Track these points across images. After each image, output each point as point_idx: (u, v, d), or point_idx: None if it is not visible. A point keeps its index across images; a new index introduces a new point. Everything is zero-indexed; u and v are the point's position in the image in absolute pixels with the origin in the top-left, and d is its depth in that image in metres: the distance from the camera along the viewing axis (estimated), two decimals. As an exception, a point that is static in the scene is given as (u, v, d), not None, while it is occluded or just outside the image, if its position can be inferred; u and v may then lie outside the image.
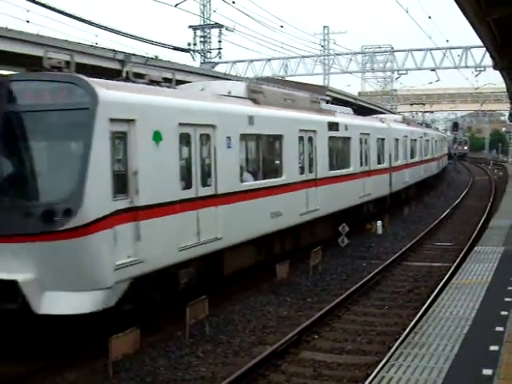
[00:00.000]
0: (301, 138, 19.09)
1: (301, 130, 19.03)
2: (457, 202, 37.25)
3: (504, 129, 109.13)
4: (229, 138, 14.85)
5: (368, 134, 26.42)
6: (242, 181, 15.69)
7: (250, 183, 16.15)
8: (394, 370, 6.50)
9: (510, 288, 9.84)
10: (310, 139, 19.86)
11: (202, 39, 40.65)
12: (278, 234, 17.59)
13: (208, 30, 40.59)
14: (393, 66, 51.09)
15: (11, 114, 11.12)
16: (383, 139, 29.32)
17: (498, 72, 24.39)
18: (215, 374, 10.64)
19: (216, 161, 14.21)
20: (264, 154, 17.53)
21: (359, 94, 70.58)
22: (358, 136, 24.92)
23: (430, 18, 38.08)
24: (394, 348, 10.40)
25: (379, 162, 28.39)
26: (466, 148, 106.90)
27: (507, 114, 75.14)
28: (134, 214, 11.43)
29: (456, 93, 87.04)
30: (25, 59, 15.78)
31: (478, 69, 41.94)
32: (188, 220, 13.06)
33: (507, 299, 9.15)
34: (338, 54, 47.07)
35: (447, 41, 42.23)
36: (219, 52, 40.78)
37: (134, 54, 18.73)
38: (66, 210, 10.25)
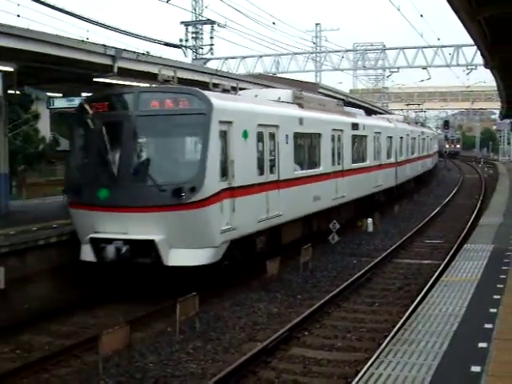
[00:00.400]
0: (332, 136, 22.94)
1: (333, 130, 22.98)
2: (447, 199, 37.38)
3: (494, 127, 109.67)
4: (287, 135, 18.57)
5: (380, 133, 30.58)
6: (294, 170, 19.36)
7: (300, 172, 19.93)
8: (384, 367, 6.52)
9: (499, 285, 9.88)
10: (339, 137, 23.71)
11: (194, 35, 40.65)
12: (315, 214, 21.29)
13: (200, 26, 40.61)
14: (384, 64, 51.22)
15: (141, 117, 14.67)
16: (391, 137, 33.52)
17: (488, 70, 24.42)
18: (205, 370, 10.65)
19: (278, 153, 17.93)
20: (308, 149, 21.36)
21: (351, 91, 70.61)
22: (372, 134, 29.03)
23: (421, 16, 38.17)
24: (383, 345, 10.44)
25: (388, 158, 32.50)
26: (458, 146, 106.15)
27: (498, 112, 75.36)
28: (231, 192, 15.03)
29: (447, 91, 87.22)
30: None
31: (469, 67, 41.98)
32: (261, 199, 16.82)
33: (496, 296, 9.18)
34: (329, 52, 47.15)
35: (438, 39, 42.33)
36: (211, 48, 40.72)
37: (124, 50, 18.69)
38: (191, 188, 13.85)
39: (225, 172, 14.92)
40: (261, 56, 44.22)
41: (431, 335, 7.49)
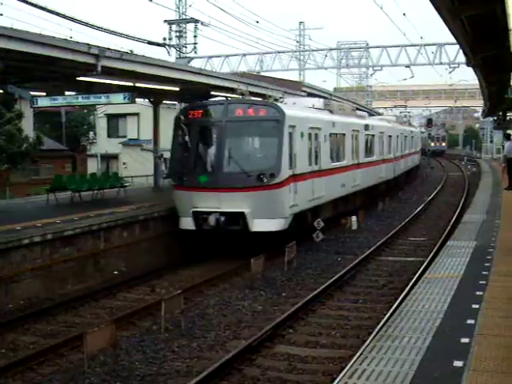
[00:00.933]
0: (352, 136, 28.06)
1: (352, 130, 28.14)
2: (430, 197, 37.56)
3: (478, 125, 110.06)
4: (325, 135, 23.50)
5: (383, 133, 35.85)
6: (329, 162, 24.14)
7: (333, 164, 24.70)
8: (367, 363, 6.58)
9: (481, 282, 9.97)
10: (356, 136, 28.87)
11: (178, 34, 40.50)
12: (340, 198, 26.13)
13: (183, 25, 40.43)
14: (368, 63, 51.38)
15: (231, 122, 19.53)
16: (390, 136, 38.37)
17: (471, 69, 24.56)
18: (190, 368, 10.69)
19: (320, 149, 22.88)
20: (337, 146, 26.07)
21: (335, 89, 70.66)
22: (378, 134, 34.31)
23: (404, 14, 38.43)
24: (368, 341, 10.51)
25: (388, 153, 37.25)
26: (443, 144, 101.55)
27: (481, 110, 75.73)
28: (295, 178, 19.93)
29: (430, 89, 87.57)
30: None
31: (451, 65, 42.25)
32: (310, 184, 21.57)
33: (478, 293, 9.27)
34: (313, 50, 47.25)
35: (421, 37, 42.61)
36: (195, 47, 40.66)
37: (108, 49, 18.64)
38: (270, 174, 18.72)
39: (291, 163, 19.73)
40: (244, 55, 44.27)
41: (414, 331, 7.57)
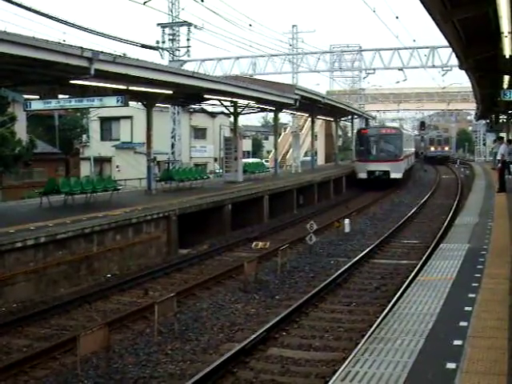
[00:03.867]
0: (405, 140, 50.65)
1: (406, 140, 52.05)
2: (424, 199, 37.66)
3: (470, 128, 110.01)
4: (407, 139, 52.45)
5: (408, 139, 56.33)
6: (406, 152, 51.44)
7: (408, 153, 52.27)
8: (360, 365, 6.58)
9: (474, 284, 9.98)
10: (407, 141, 51.92)
11: (171, 37, 40.53)
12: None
13: (177, 28, 40.46)
14: (361, 66, 51.40)
15: (381, 134, 47.76)
16: (406, 140, 51.84)
17: (464, 72, 24.64)
18: (183, 371, 10.70)
19: (407, 146, 52.22)
20: (406, 145, 50.99)
21: (327, 92, 70.68)
22: (406, 138, 51.80)
23: (397, 18, 38.44)
24: (360, 344, 10.52)
25: (404, 152, 49.94)
26: (446, 149, 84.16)
27: (473, 113, 75.81)
28: (403, 157, 48.04)
29: (423, 92, 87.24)
30: None
31: (444, 68, 42.29)
32: (406, 160, 50.40)
33: (471, 295, 9.28)
34: (306, 53, 47.23)
35: (414, 40, 42.79)
36: (188, 50, 40.72)
37: (102, 52, 18.64)
38: (397, 155, 46.61)
39: (403, 151, 47.08)
40: (237, 58, 44.26)
41: (407, 333, 7.57)
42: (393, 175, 44.93)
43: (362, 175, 45.46)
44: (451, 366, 6.42)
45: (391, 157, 45.52)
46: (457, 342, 7.16)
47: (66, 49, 17.27)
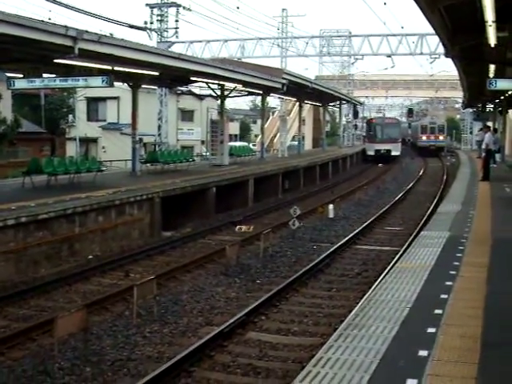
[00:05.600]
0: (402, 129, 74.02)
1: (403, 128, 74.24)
2: (409, 187, 37.75)
3: (458, 116, 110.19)
4: (404, 127, 79.08)
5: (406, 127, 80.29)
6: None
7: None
8: (333, 351, 6.59)
9: (451, 272, 10.02)
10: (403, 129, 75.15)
11: (159, 18, 40.25)
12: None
13: (165, 9, 40.18)
14: (350, 51, 51.29)
15: (385, 123, 65.00)
16: (403, 128, 71.24)
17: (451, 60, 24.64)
18: (161, 353, 10.69)
19: (405, 132, 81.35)
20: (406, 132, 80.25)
21: (316, 77, 70.47)
22: (404, 126, 78.21)
23: (385, 4, 38.36)
24: (338, 330, 10.53)
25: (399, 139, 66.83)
26: (441, 138, 73.56)
27: (461, 101, 75.86)
28: (399, 141, 66.05)
29: (412, 79, 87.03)
30: None
31: (432, 56, 42.28)
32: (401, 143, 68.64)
33: (448, 283, 9.32)
34: (294, 37, 47.06)
35: (402, 27, 42.59)
36: (176, 31, 40.45)
37: (86, 31, 18.48)
38: (396, 138, 63.58)
39: (400, 135, 66.80)
40: (226, 40, 44.02)
41: (382, 320, 7.59)
42: (393, 153, 61.40)
43: (371, 152, 62.31)
44: (423, 353, 6.44)
45: (392, 139, 61.90)
46: (430, 330, 7.19)
47: (50, 27, 17.11)
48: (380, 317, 7.75)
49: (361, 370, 6.01)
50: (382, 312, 7.95)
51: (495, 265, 10.67)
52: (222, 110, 36.02)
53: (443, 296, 8.62)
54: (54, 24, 17.70)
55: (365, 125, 77.54)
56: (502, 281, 9.72)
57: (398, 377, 5.88)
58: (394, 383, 5.76)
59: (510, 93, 32.99)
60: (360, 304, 12.20)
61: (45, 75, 21.85)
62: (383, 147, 61.18)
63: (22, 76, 21.82)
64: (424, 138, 73.03)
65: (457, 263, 10.78)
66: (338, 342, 6.91)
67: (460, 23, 16.02)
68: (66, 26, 17.45)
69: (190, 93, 50.62)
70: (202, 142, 61.32)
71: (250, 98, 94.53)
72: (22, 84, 21.73)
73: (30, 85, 21.57)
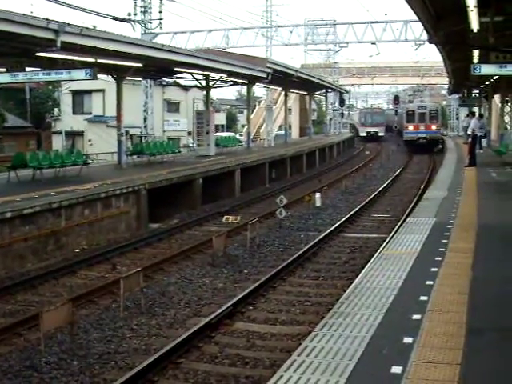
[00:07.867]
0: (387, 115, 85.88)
1: (387, 114, 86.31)
2: (396, 174, 37.84)
3: (444, 102, 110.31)
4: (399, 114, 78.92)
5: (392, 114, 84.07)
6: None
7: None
8: (318, 340, 6.59)
9: (437, 258, 10.03)
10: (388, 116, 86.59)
11: (143, 9, 40.02)
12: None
13: (148, 0, 39.99)
14: (334, 39, 51.23)
15: (374, 112, 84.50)
16: (388, 114, 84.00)
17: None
18: (148, 346, 10.68)
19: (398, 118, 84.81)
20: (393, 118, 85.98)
21: (302, 66, 70.39)
22: (390, 113, 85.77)
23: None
24: (324, 319, 10.54)
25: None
26: (434, 128, 55.26)
27: (447, 87, 75.94)
28: (384, 125, 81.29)
29: (397, 66, 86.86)
30: None
31: (417, 42, 42.28)
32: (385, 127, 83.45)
33: (434, 269, 9.33)
34: (279, 26, 46.97)
35: (386, 14, 42.55)
36: (160, 23, 40.27)
37: (68, 24, 18.35)
38: (381, 123, 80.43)
39: (385, 121, 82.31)
40: (210, 31, 43.90)
41: (367, 308, 7.59)
42: (379, 134, 78.01)
43: (363, 134, 78.29)
44: (408, 340, 6.45)
45: (379, 124, 78.66)
46: (416, 317, 7.19)
47: (31, 20, 17.00)
48: (365, 304, 7.75)
49: (345, 359, 6.01)
50: (367, 300, 7.96)
51: (480, 250, 10.70)
52: (207, 100, 35.89)
53: (429, 282, 8.63)
54: (35, 17, 17.61)
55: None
56: (487, 266, 9.75)
57: (382, 364, 5.88)
58: (379, 371, 5.76)
59: (494, 78, 33.03)
60: (346, 292, 12.21)
61: (28, 69, 21.68)
62: (372, 130, 78.53)
63: (4, 70, 21.64)
64: (411, 128, 55.86)
65: (442, 249, 10.79)
66: (323, 330, 6.91)
67: (443, 9, 16.01)
68: (47, 19, 17.35)
69: (176, 84, 50.39)
70: (189, 133, 61.08)
71: (236, 88, 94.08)
72: (5, 78, 21.56)
73: (13, 79, 21.40)
